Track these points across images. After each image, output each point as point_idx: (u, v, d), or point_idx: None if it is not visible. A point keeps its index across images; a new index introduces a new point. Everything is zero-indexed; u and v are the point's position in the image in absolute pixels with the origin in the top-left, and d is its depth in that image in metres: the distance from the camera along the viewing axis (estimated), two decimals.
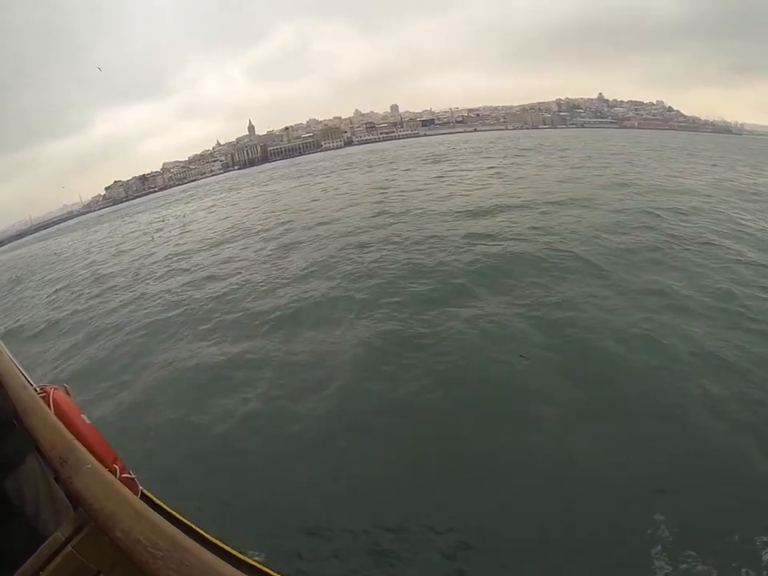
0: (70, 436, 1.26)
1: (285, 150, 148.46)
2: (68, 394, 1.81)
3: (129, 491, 1.10)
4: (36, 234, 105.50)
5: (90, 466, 1.13)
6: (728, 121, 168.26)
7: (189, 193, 73.51)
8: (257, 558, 2.25)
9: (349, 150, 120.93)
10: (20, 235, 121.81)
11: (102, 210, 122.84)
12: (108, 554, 1.01)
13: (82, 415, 1.73)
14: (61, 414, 1.57)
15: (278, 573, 1.90)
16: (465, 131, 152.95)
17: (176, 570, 0.85)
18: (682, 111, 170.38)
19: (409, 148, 69.55)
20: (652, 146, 48.55)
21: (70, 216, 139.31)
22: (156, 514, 1.02)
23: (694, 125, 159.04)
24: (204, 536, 1.97)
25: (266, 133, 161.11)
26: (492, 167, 27.90)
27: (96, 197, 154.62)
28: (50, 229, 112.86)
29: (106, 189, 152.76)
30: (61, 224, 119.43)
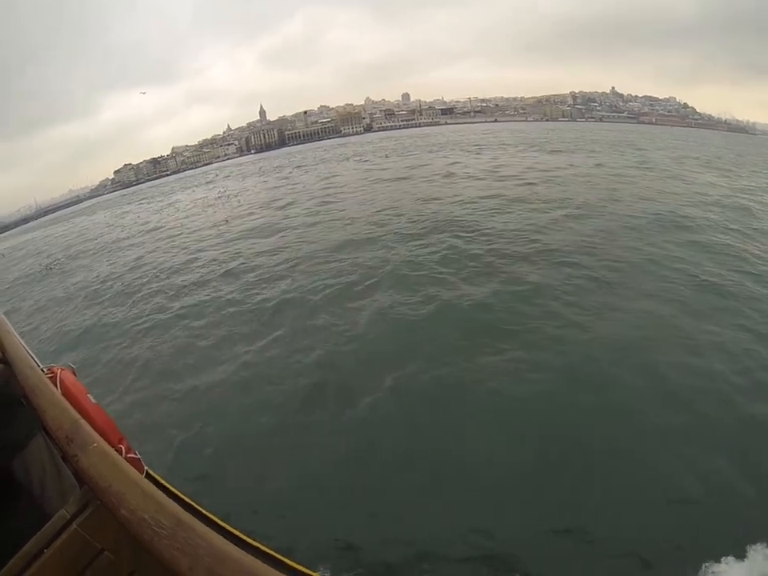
0: (76, 415, 1.24)
1: (303, 135, 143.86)
2: (74, 374, 1.82)
3: (134, 470, 1.08)
4: (43, 219, 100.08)
5: (95, 444, 1.12)
6: (739, 119, 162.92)
7: (211, 176, 67.50)
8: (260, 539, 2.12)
9: (373, 135, 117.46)
10: (26, 220, 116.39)
11: (111, 194, 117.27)
12: (113, 532, 1.01)
13: (88, 395, 1.74)
14: (67, 393, 1.56)
15: (280, 554, 1.99)
16: (485, 121, 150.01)
17: (180, 548, 0.83)
18: (695, 108, 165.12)
19: (457, 134, 67.01)
20: None
21: (78, 200, 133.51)
22: (161, 493, 0.99)
23: (709, 122, 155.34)
24: (209, 517, 2.00)
25: (277, 118, 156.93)
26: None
27: (104, 180, 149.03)
28: (57, 213, 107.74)
29: (115, 172, 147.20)
30: (71, 207, 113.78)
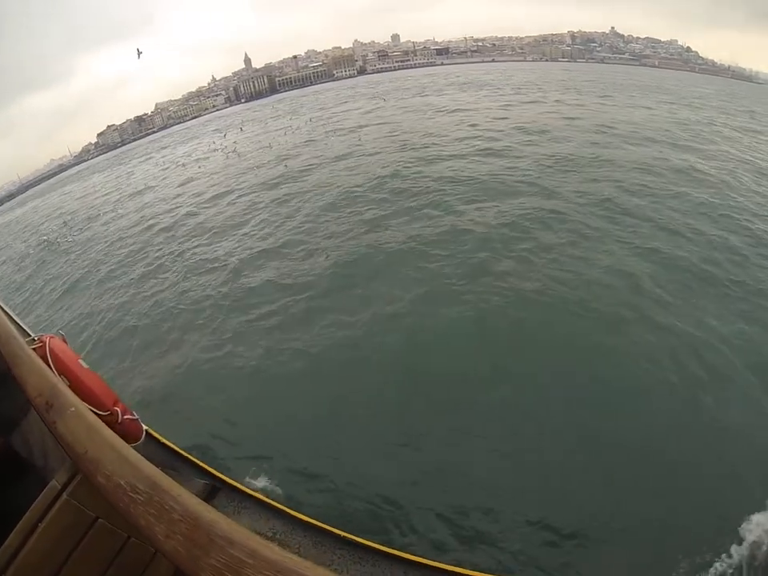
0: (54, 380, 1.18)
1: (294, 80, 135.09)
2: (65, 341, 1.77)
3: (111, 432, 1.01)
4: (29, 192, 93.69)
5: (73, 409, 1.06)
6: (742, 67, 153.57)
7: (212, 126, 61.15)
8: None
9: (369, 77, 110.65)
10: (10, 196, 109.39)
11: (97, 158, 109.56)
12: (103, 499, 0.93)
13: (80, 361, 1.68)
14: (57, 360, 1.55)
15: (288, 507, 1.96)
16: (483, 61, 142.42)
17: (156, 514, 0.80)
18: (698, 53, 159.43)
19: (466, 75, 62.91)
20: None
21: (62, 169, 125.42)
22: (137, 455, 0.94)
23: (713, 68, 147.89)
24: (212, 472, 1.97)
25: (263, 65, 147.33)
26: None
27: (87, 145, 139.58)
28: (42, 185, 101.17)
29: (99, 135, 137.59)
30: (59, 175, 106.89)
